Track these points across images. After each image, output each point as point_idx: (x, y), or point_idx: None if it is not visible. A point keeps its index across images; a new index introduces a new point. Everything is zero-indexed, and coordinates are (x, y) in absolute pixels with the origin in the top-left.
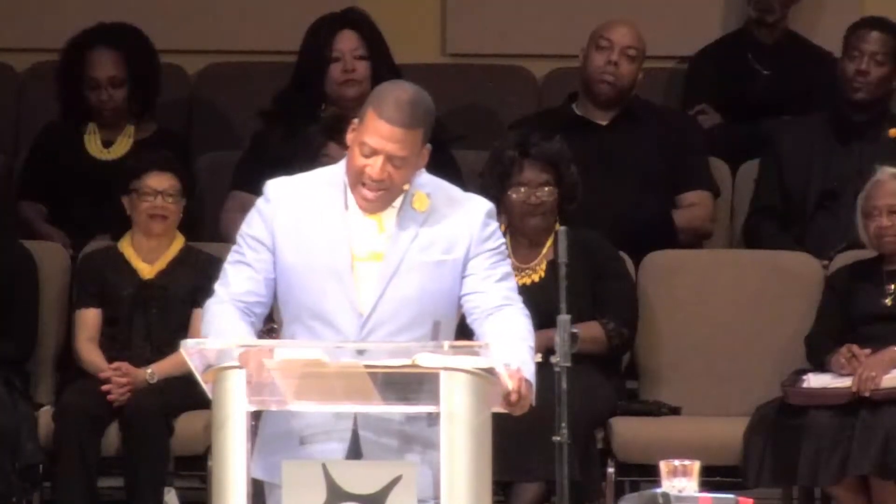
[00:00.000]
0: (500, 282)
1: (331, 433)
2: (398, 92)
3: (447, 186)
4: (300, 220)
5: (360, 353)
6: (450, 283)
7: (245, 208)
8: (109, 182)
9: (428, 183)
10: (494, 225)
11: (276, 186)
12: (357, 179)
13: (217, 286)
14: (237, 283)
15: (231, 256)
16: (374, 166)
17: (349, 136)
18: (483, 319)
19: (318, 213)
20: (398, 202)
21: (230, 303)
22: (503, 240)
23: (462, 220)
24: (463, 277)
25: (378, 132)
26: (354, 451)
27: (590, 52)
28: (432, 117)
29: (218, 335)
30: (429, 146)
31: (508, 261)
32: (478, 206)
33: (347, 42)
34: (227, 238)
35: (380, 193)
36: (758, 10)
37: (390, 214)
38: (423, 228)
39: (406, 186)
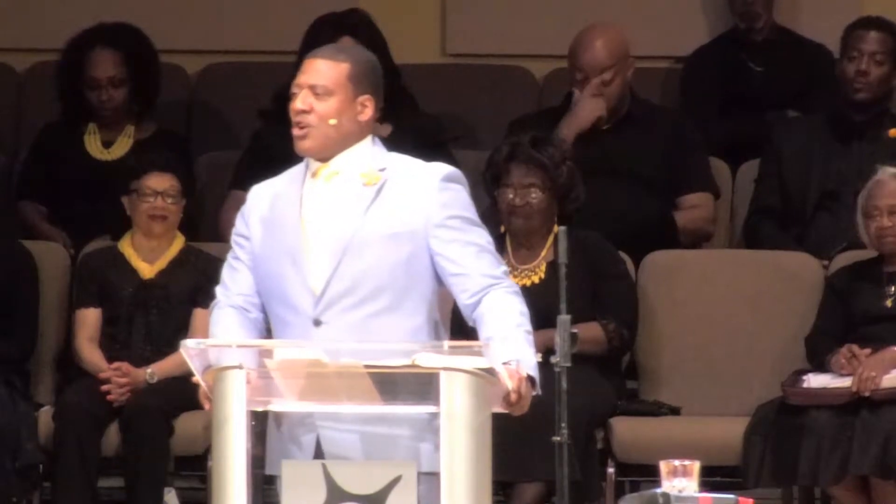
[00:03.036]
0: (478, 257)
1: (339, 422)
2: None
3: (407, 160)
4: (266, 212)
5: (355, 352)
6: (407, 254)
7: None
8: (109, 182)
9: (385, 158)
10: (454, 188)
11: (254, 188)
12: (293, 127)
13: (217, 289)
14: (232, 282)
15: (227, 259)
16: (297, 99)
17: None
18: (472, 307)
19: (278, 202)
20: (343, 166)
21: (229, 305)
22: (469, 202)
23: (417, 187)
24: (436, 256)
25: (301, 70)
26: (364, 443)
27: (573, 78)
28: (365, 64)
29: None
30: (370, 97)
31: (479, 229)
32: (433, 172)
33: None
34: (226, 238)
35: (306, 130)
36: (745, 22)
37: (339, 184)
38: (376, 202)
39: (332, 122)
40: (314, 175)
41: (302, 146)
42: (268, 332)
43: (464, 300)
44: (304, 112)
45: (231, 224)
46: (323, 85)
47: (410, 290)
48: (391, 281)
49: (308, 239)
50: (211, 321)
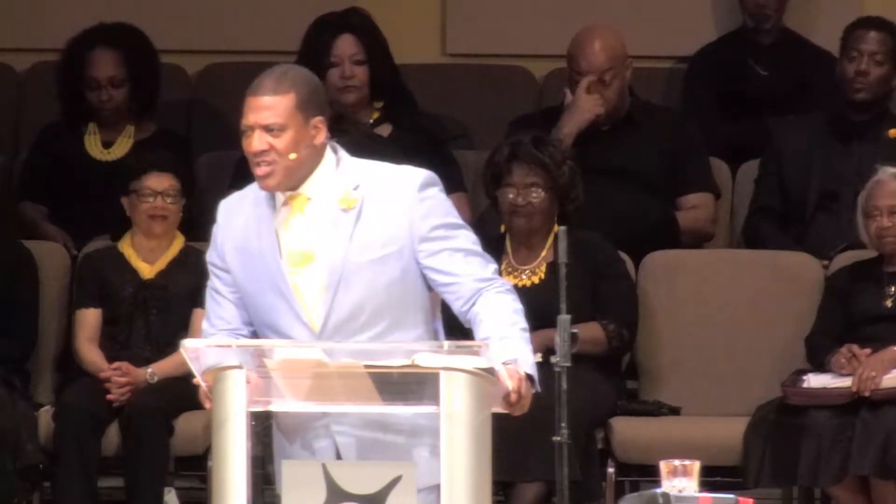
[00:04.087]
0: (466, 262)
1: (328, 431)
2: (266, 72)
3: (378, 168)
4: (240, 241)
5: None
6: (400, 270)
7: None
8: (109, 182)
9: (355, 172)
10: (431, 194)
11: (222, 206)
12: (251, 165)
13: (203, 323)
14: (216, 314)
15: (207, 289)
16: (252, 141)
17: None
18: (467, 313)
19: (251, 228)
20: (313, 190)
21: (216, 334)
22: (449, 203)
23: (396, 202)
24: (425, 269)
25: (248, 109)
26: (358, 449)
27: (571, 80)
28: (308, 87)
29: None
30: (320, 118)
31: (463, 230)
32: (408, 182)
33: (346, 47)
34: None
35: (269, 168)
36: (754, 21)
37: (315, 211)
38: (358, 226)
39: (293, 156)
40: (285, 204)
41: (268, 184)
42: None
43: (458, 307)
44: (263, 152)
45: None
46: (275, 122)
47: (408, 304)
48: (389, 300)
49: (294, 272)
50: None
